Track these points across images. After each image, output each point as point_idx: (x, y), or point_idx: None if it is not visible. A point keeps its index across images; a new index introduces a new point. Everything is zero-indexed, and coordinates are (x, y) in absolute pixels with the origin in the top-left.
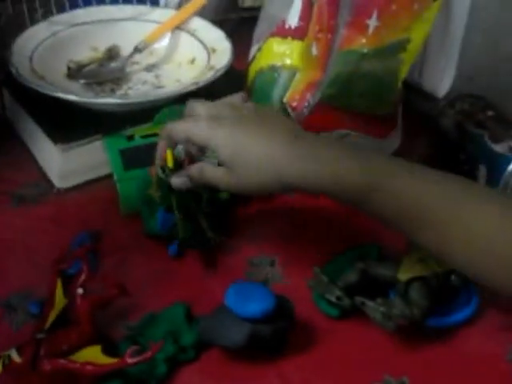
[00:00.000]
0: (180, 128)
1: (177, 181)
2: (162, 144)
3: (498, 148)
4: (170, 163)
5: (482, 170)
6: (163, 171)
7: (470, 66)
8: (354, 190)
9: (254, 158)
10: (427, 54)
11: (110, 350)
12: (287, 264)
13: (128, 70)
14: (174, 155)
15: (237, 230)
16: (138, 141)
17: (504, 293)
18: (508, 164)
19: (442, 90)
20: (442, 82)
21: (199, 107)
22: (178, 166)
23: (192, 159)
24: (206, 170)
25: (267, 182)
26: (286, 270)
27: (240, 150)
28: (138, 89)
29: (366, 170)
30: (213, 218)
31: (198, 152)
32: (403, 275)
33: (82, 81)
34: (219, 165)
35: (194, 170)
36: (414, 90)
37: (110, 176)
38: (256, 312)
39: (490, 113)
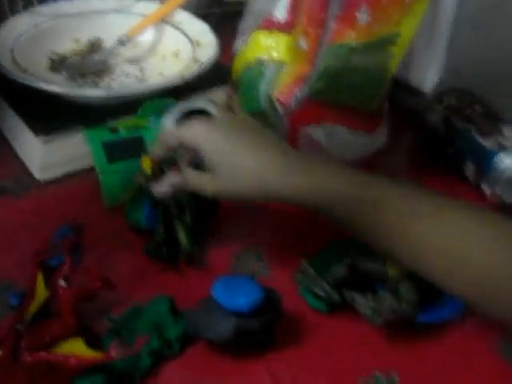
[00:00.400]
0: (173, 133)
1: (159, 190)
2: (154, 151)
3: (486, 143)
4: (149, 170)
5: (470, 166)
6: (146, 180)
7: (457, 59)
8: (342, 203)
9: (243, 168)
10: (414, 48)
11: (92, 343)
12: (274, 258)
13: (111, 62)
14: (153, 162)
15: (222, 226)
16: (122, 133)
17: (481, 311)
18: (497, 159)
19: (428, 85)
20: (428, 76)
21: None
22: (161, 172)
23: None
24: (191, 177)
25: (253, 192)
26: (273, 264)
27: (230, 158)
28: (122, 81)
29: (353, 184)
30: (192, 228)
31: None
32: (393, 270)
33: (65, 72)
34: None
35: (177, 177)
36: (400, 85)
37: (92, 168)
38: (244, 305)
39: (477, 108)
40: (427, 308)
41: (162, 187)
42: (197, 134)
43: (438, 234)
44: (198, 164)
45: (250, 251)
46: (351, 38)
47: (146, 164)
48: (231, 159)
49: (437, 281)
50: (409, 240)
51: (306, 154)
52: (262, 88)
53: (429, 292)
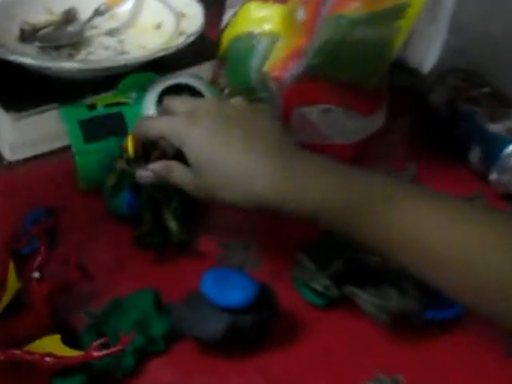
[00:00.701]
0: (154, 124)
1: (142, 175)
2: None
3: (494, 128)
4: (131, 151)
5: (476, 152)
6: (128, 163)
7: (461, 36)
8: (343, 218)
9: (229, 171)
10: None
11: (70, 339)
12: (264, 248)
13: (87, 34)
14: (135, 143)
15: (208, 212)
16: (100, 110)
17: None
18: (505, 146)
19: (427, 64)
20: (427, 55)
21: (177, 104)
22: (145, 156)
23: (163, 152)
24: (175, 170)
25: (239, 199)
26: (263, 253)
27: (213, 157)
28: (99, 54)
29: (358, 197)
30: (182, 214)
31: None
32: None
33: (37, 44)
34: None
35: (162, 167)
36: (398, 64)
37: (68, 148)
38: (237, 301)
39: (485, 89)
40: (432, 304)
41: (146, 172)
42: (177, 128)
43: (445, 244)
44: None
45: (238, 240)
46: (355, 8)
47: (130, 144)
48: (215, 159)
49: (441, 287)
50: (415, 250)
51: (305, 153)
52: (253, 63)
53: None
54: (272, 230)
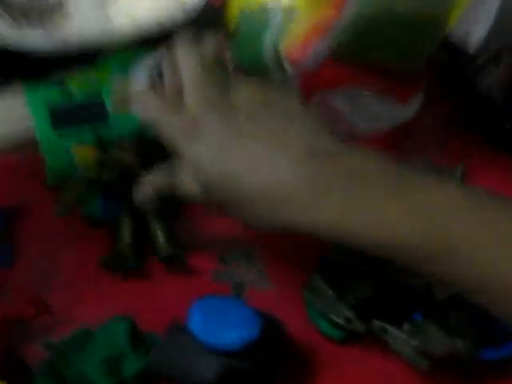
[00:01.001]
0: (152, 110)
1: (140, 196)
2: None
3: None
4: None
5: None
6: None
7: None
8: (407, 255)
9: (243, 197)
10: None
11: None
12: (270, 260)
13: (66, 2)
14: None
15: (202, 217)
16: (74, 93)
17: None
18: None
19: (474, 41)
20: (476, 30)
21: (184, 80)
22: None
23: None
24: (184, 184)
25: (260, 226)
26: (269, 268)
27: (221, 182)
28: (80, 26)
29: (427, 228)
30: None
31: None
32: (441, 289)
33: (6, 14)
34: None
35: (165, 181)
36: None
37: (34, 136)
38: (234, 343)
39: None
40: (492, 341)
41: (143, 193)
42: (177, 139)
43: None
44: None
45: (238, 252)
46: None
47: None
48: (223, 185)
49: None
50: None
51: (351, 157)
52: (267, 40)
53: (485, 320)
54: (279, 238)
